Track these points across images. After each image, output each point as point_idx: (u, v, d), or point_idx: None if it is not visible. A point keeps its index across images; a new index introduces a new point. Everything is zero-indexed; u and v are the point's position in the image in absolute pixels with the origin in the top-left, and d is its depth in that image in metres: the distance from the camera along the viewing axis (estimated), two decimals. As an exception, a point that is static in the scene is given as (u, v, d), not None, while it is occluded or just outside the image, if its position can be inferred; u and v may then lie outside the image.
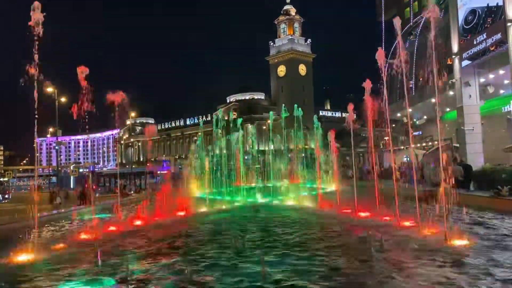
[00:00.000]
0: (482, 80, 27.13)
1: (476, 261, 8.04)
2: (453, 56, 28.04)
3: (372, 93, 14.05)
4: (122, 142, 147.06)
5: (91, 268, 8.49)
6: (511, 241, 9.88)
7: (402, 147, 45.79)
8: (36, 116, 9.77)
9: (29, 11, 9.59)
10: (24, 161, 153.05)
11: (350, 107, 16.83)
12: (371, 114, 13.90)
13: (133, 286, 7.14)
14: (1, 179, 63.98)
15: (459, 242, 9.34)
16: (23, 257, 9.24)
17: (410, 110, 40.82)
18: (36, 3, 9.60)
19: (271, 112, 38.11)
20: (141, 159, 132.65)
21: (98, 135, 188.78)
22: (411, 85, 40.92)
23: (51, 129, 78.08)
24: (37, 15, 9.57)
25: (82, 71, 11.18)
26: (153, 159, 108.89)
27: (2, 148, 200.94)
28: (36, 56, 9.60)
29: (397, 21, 12.91)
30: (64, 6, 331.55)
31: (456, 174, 20.84)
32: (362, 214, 14.23)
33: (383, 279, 7.04)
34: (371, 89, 14.11)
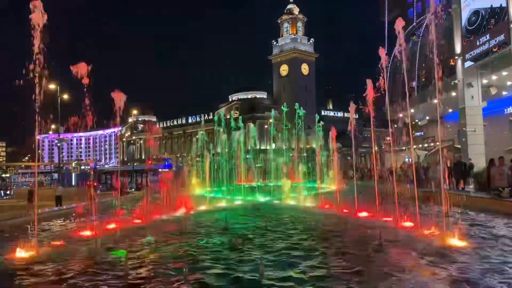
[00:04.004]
0: (484, 81, 27.07)
1: (472, 260, 8.07)
2: (456, 57, 28.00)
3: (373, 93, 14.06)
4: (124, 139, 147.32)
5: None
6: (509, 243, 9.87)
7: (403, 148, 45.72)
8: (37, 110, 9.75)
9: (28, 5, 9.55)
10: (26, 158, 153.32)
11: (352, 107, 16.79)
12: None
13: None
14: (3, 175, 64.17)
15: (458, 243, 9.34)
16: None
17: (412, 110, 40.90)
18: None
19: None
20: (143, 157, 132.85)
21: (100, 132, 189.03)
22: (413, 86, 40.85)
23: (53, 126, 78.12)
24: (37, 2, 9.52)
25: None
26: (154, 157, 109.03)
27: (4, 144, 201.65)
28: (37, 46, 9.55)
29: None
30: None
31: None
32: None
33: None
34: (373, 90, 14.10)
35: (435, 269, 7.53)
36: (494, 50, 23.87)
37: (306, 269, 7.74)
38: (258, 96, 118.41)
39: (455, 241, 9.37)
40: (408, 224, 11.75)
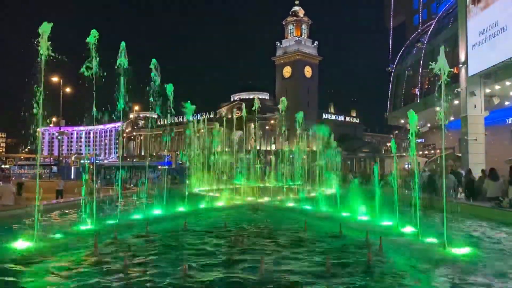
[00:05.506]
0: (487, 90, 27.06)
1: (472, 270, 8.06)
2: (460, 65, 27.99)
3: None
4: (124, 135, 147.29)
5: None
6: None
7: (404, 154, 45.74)
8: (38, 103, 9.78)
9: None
10: (26, 150, 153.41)
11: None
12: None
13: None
14: (3, 166, 64.08)
15: (458, 251, 9.34)
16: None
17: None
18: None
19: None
20: (143, 153, 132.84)
21: (100, 127, 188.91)
22: (416, 92, 40.84)
23: (54, 119, 77.98)
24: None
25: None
26: (154, 154, 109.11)
27: (4, 135, 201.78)
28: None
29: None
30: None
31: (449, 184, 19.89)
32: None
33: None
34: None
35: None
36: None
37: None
38: (260, 97, 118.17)
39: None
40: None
